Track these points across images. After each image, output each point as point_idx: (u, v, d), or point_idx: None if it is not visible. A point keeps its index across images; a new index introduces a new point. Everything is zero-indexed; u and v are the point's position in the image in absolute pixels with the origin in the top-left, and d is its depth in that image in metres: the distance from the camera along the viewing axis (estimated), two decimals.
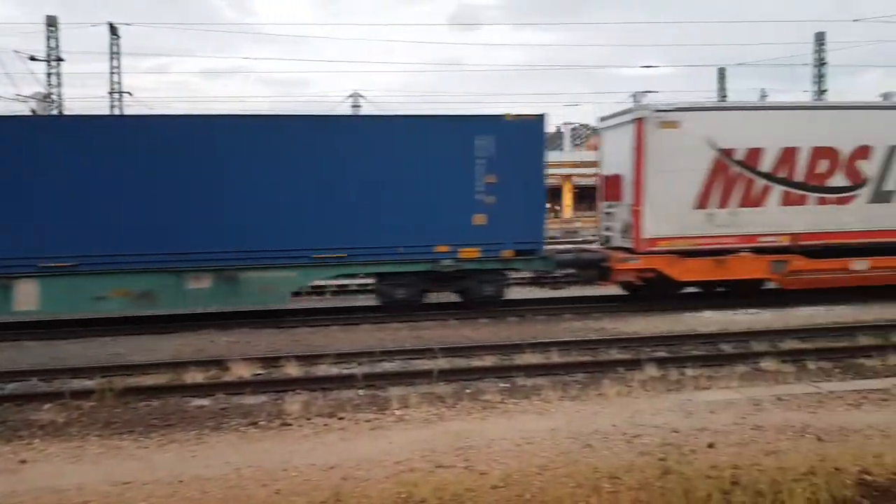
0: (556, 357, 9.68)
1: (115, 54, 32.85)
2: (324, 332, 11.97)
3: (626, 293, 14.63)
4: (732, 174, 13.43)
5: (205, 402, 7.74)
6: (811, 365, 8.88)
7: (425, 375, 8.45)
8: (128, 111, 32.36)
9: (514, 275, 15.01)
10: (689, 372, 8.57)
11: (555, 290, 16.48)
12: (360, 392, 8.02)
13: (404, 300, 13.03)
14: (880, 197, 13.98)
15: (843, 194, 13.89)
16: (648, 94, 34.55)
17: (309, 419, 6.82)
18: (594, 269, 14.13)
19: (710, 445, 5.56)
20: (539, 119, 13.26)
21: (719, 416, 6.34)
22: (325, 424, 6.62)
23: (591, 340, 10.74)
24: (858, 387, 7.32)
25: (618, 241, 14.11)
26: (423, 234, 12.66)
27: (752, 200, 13.55)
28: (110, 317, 12.49)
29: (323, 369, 9.09)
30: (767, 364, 8.78)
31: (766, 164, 13.53)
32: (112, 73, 32.91)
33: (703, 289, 14.55)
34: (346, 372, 8.88)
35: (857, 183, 13.91)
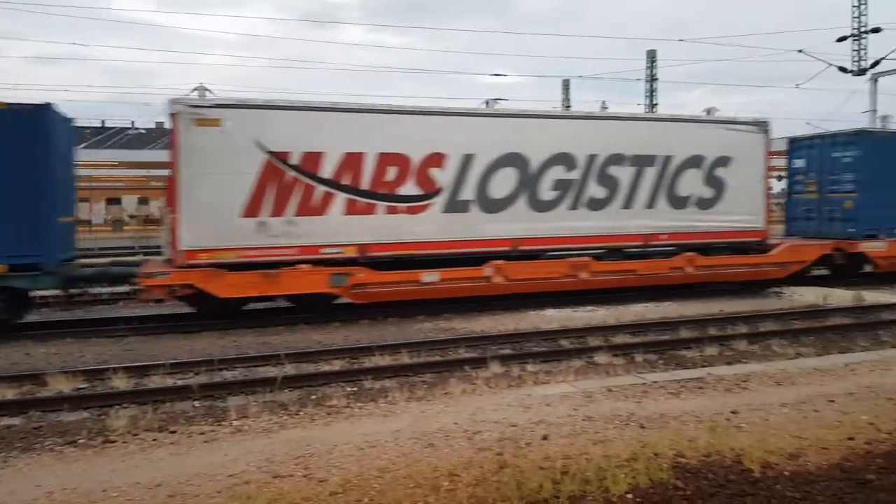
0: (405, 358, 9.71)
1: None
2: (159, 341, 11.23)
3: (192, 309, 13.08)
4: (288, 180, 12.25)
5: (14, 421, 6.98)
6: (639, 357, 9.53)
7: (268, 383, 8.13)
8: None
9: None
10: (530, 368, 8.92)
11: None
12: (196, 404, 7.58)
13: None
14: (455, 207, 13.53)
15: (414, 203, 13.24)
16: (499, 100, 35.71)
17: (136, 435, 6.32)
18: (126, 284, 12.94)
19: (545, 438, 5.77)
20: (41, 109, 11.19)
21: (555, 409, 6.61)
22: (154, 440, 6.17)
23: (441, 340, 10.88)
24: (678, 376, 7.91)
25: (167, 252, 12.56)
26: None
27: (313, 209, 12.47)
28: None
29: (155, 381, 8.51)
30: (600, 358, 9.31)
31: (327, 170, 12.52)
32: None
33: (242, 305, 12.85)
34: (180, 383, 8.36)
35: (430, 192, 13.34)
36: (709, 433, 5.79)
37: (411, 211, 13.27)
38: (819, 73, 35.37)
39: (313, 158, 12.46)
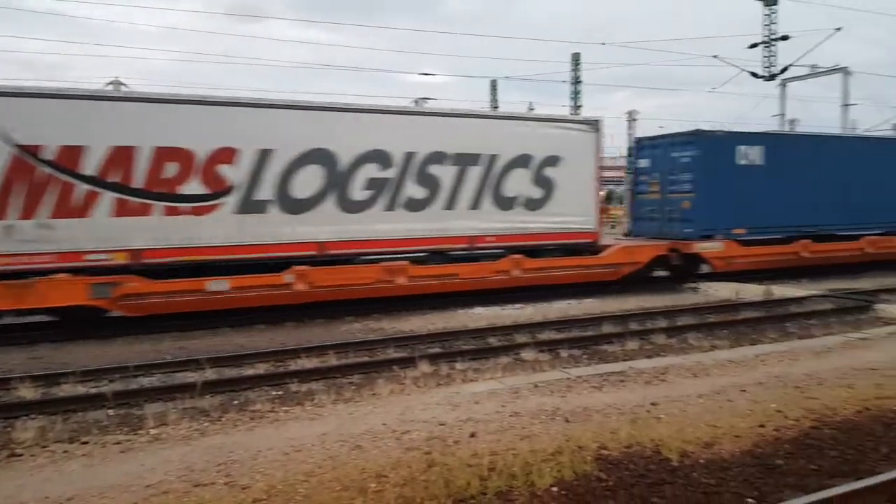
0: (333, 360, 9.59)
1: None
2: (71, 347, 10.71)
3: None
4: (41, 176, 10.92)
5: None
6: (564, 353, 9.73)
7: (188, 389, 7.87)
8: None
9: None
10: (459, 366, 8.97)
11: None
12: (111, 412, 7.26)
13: None
14: (250, 207, 12.48)
15: (200, 203, 12.08)
16: (427, 99, 35.76)
17: (45, 447, 5.99)
18: None
19: (473, 435, 5.80)
20: None
21: (483, 406, 6.66)
22: (66, 451, 5.86)
23: (369, 341, 10.80)
24: (601, 370, 8.11)
25: None
26: None
27: (74, 210, 11.14)
28: None
29: (66, 389, 8.09)
30: (527, 354, 9.46)
31: (90, 166, 11.24)
32: None
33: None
34: (93, 391, 7.99)
35: (220, 191, 12.24)
36: (630, 425, 5.96)
37: (197, 212, 12.06)
38: (733, 77, 37.17)
39: (72, 153, 11.10)
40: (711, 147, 17.01)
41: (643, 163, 18.43)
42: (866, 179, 19.03)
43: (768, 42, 23.40)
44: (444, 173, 14.22)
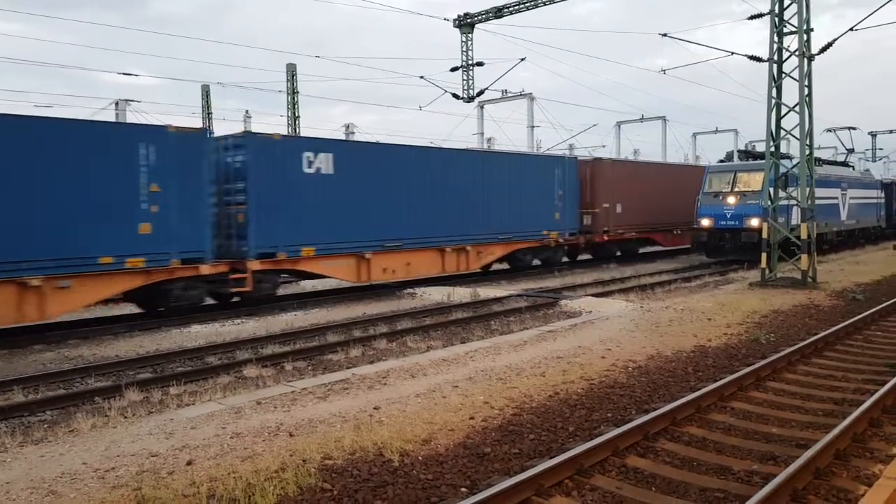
0: (18, 397, 8.31)
1: None
2: None
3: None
4: None
5: None
6: (288, 366, 9.62)
7: None
8: None
9: None
10: (173, 390, 8.36)
11: None
12: None
13: None
14: None
15: None
16: (130, 101, 32.66)
17: None
18: None
19: (189, 462, 5.44)
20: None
21: (201, 431, 6.28)
22: None
23: (64, 371, 9.55)
24: (326, 380, 8.15)
25: None
26: None
27: None
28: None
29: None
30: (250, 371, 9.16)
31: None
32: None
33: None
34: None
35: None
36: (354, 431, 6.09)
37: None
38: (438, 97, 40.00)
39: None
40: (267, 152, 14.89)
41: None
42: (455, 192, 18.96)
43: (466, 67, 25.68)
44: None
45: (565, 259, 24.81)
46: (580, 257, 25.90)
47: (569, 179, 23.15)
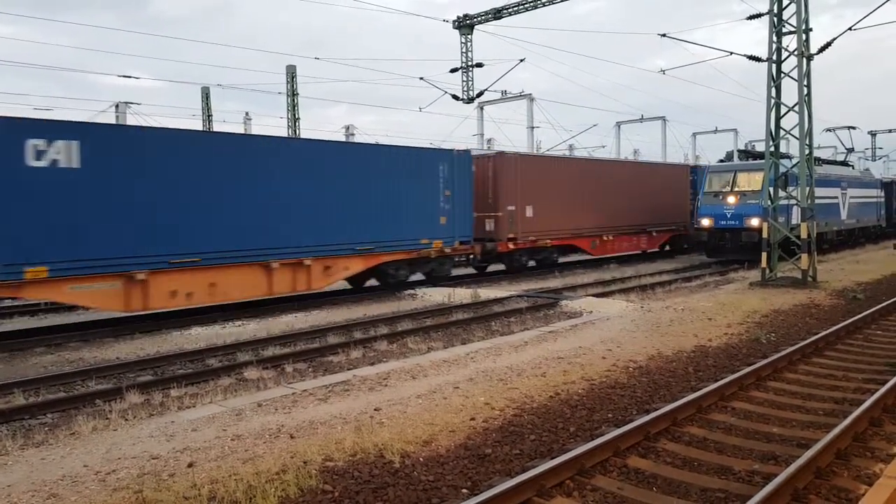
0: (19, 400, 8.32)
1: None
2: None
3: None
4: None
5: None
6: (289, 368, 9.62)
7: None
8: None
9: None
10: (174, 393, 8.37)
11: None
12: None
13: None
14: None
15: None
16: (131, 104, 32.66)
17: None
18: None
19: (190, 465, 5.44)
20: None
21: (202, 433, 6.28)
22: None
23: (65, 374, 9.56)
24: (326, 382, 8.15)
25: None
26: None
27: None
28: None
29: None
30: (250, 373, 9.16)
31: None
32: None
33: None
34: None
35: None
36: (355, 433, 6.09)
37: None
38: (437, 98, 40.08)
39: None
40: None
41: None
42: (291, 193, 15.13)
43: (466, 68, 25.69)
44: None
45: (472, 270, 21.78)
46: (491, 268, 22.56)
47: (459, 178, 19.03)
